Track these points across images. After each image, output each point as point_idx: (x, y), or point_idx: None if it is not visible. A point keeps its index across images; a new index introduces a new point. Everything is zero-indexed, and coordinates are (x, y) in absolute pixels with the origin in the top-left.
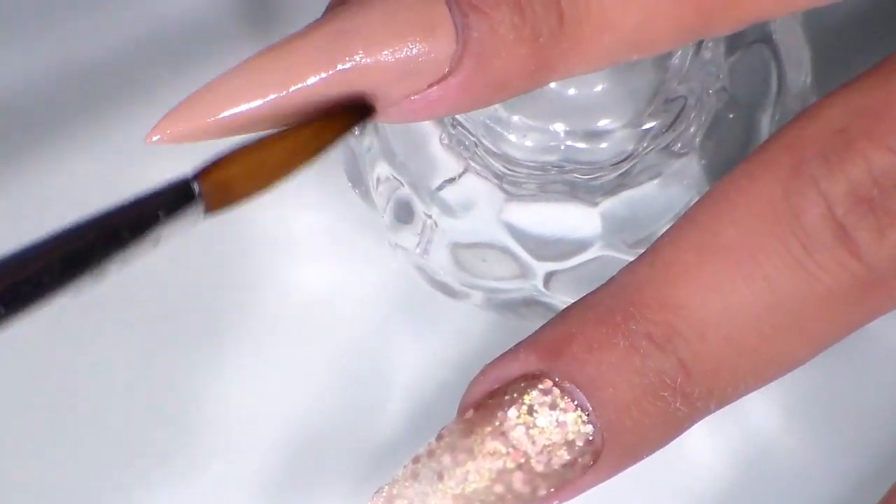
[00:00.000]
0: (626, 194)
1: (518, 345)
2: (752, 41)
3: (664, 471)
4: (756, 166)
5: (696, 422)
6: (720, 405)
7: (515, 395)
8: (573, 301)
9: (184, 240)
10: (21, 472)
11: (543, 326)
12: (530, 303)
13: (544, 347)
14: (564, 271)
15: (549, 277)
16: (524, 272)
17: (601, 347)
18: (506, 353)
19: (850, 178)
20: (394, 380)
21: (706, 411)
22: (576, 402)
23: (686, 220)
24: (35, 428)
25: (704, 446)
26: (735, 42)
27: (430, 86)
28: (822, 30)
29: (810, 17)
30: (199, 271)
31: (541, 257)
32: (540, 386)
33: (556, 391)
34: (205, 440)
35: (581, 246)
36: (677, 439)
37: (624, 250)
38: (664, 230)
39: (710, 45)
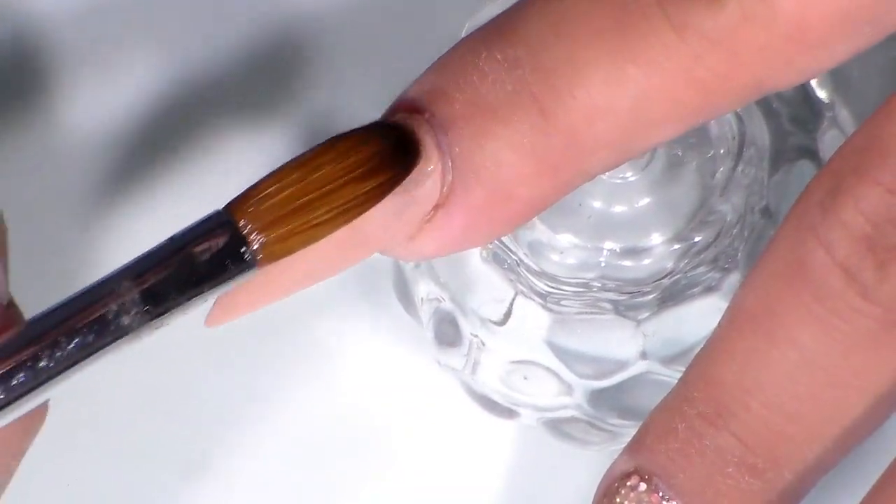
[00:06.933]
0: (669, 311)
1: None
2: (797, 158)
3: None
4: (776, 231)
5: (785, 496)
6: (800, 475)
7: (609, 497)
8: (618, 421)
9: None
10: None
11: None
12: (578, 422)
13: (631, 444)
14: (607, 389)
15: (592, 396)
16: (567, 390)
17: (666, 434)
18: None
19: (842, 219)
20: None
21: (784, 482)
22: (660, 493)
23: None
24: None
25: None
26: (779, 158)
27: (436, 209)
28: None
29: None
30: None
31: (583, 375)
32: (628, 483)
33: (643, 485)
34: (206, 441)
35: (622, 364)
36: None
37: (665, 368)
38: None
39: (753, 160)
